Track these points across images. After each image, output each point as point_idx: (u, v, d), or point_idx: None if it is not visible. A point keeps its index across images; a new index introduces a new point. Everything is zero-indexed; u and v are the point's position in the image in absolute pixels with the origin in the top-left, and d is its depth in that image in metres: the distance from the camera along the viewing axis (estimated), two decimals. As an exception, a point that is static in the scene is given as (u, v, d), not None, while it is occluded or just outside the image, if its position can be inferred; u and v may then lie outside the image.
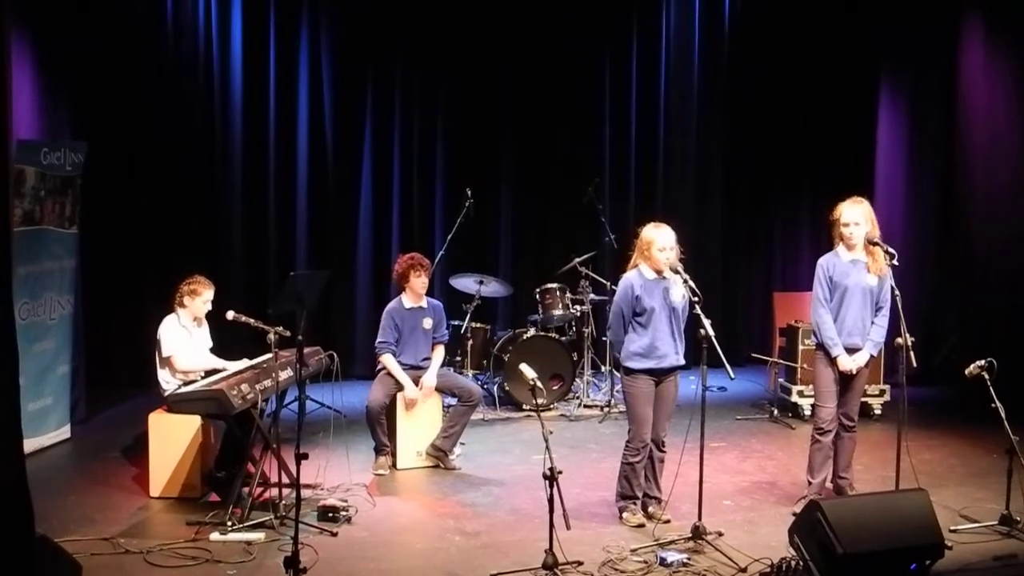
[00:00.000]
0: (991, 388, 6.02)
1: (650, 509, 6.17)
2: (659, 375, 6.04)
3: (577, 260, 9.37)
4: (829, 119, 11.02)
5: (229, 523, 5.89)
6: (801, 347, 8.74)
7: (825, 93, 11.00)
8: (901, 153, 10.78)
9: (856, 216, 6.19)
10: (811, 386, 7.30)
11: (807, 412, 8.60)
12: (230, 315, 6.53)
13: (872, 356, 6.28)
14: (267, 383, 6.26)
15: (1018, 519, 5.94)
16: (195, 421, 6.56)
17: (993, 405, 5.98)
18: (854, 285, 6.19)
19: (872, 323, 6.24)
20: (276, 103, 10.13)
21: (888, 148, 10.89)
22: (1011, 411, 6.01)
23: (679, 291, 5.99)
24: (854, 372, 6.21)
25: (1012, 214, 9.30)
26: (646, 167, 11.17)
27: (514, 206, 10.87)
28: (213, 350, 6.98)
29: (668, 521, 6.07)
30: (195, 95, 9.87)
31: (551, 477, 5.19)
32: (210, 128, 9.95)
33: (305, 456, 5.40)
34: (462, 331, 8.99)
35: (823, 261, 6.32)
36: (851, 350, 6.21)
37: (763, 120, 11.18)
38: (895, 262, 6.06)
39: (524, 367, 5.75)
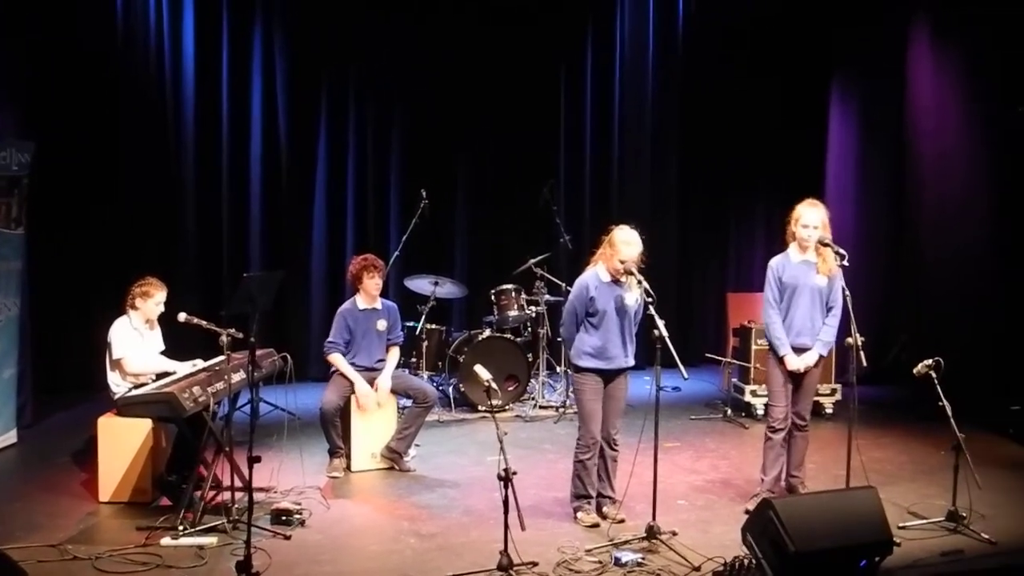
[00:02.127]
0: (938, 387, 6.12)
1: (604, 509, 6.20)
2: (609, 375, 6.09)
3: (532, 261, 9.39)
4: (782, 122, 11.16)
5: (180, 527, 5.83)
6: (754, 347, 8.83)
7: (778, 96, 11.14)
8: (852, 156, 10.93)
9: (815, 219, 6.26)
10: (764, 386, 7.36)
11: (760, 411, 8.69)
12: (182, 317, 6.45)
13: (822, 356, 6.35)
14: (219, 385, 6.21)
15: (964, 515, 6.04)
16: (145, 425, 6.48)
17: (940, 403, 6.08)
18: (804, 286, 6.27)
19: (823, 323, 6.32)
20: (229, 103, 10.06)
21: (839, 152, 11.04)
22: (958, 409, 6.11)
23: (633, 295, 6.03)
24: (802, 371, 6.28)
25: (961, 218, 9.42)
26: (601, 169, 11.23)
27: (469, 207, 10.88)
28: (166, 352, 6.90)
29: (623, 521, 6.11)
30: (146, 95, 9.77)
31: (506, 478, 5.20)
32: (162, 129, 9.85)
33: (258, 459, 5.36)
34: (417, 332, 8.98)
35: (774, 263, 6.38)
36: (801, 350, 6.28)
37: (717, 123, 11.28)
38: (845, 263, 6.13)
39: (479, 368, 5.76)
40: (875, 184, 10.75)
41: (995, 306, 8.87)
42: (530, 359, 9.21)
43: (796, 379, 6.31)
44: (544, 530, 5.97)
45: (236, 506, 6.00)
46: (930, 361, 6.17)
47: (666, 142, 11.32)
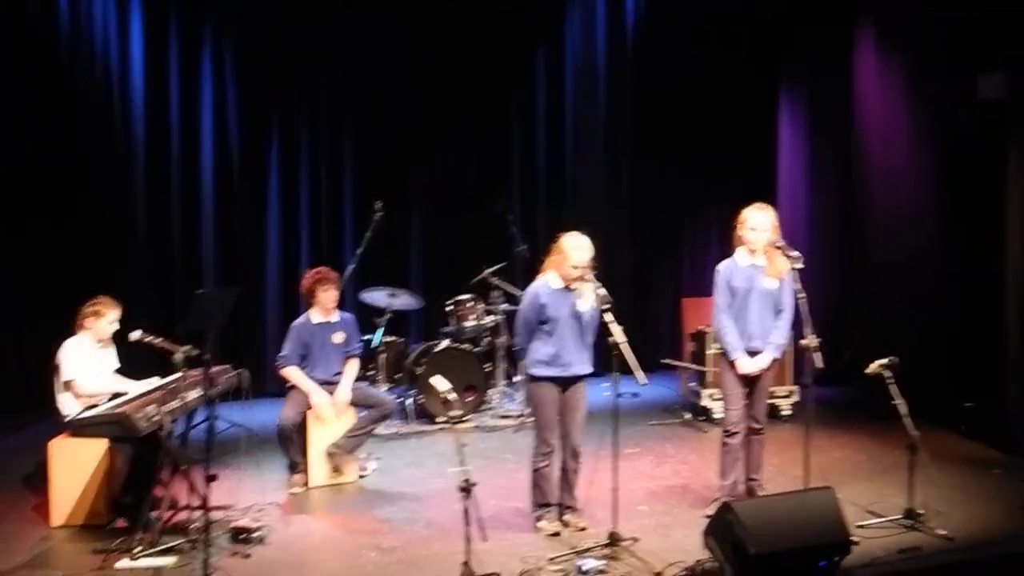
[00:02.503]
0: (891, 386, 6.19)
1: (566, 517, 6.20)
2: (564, 383, 6.09)
3: (488, 271, 9.41)
4: (734, 124, 11.23)
5: (137, 549, 5.75)
6: (710, 352, 8.89)
7: (729, 98, 11.21)
8: (802, 157, 11.04)
9: (763, 222, 6.30)
10: (719, 390, 7.41)
11: (718, 415, 8.73)
12: (136, 335, 6.39)
13: (775, 358, 6.40)
14: (175, 404, 6.14)
15: (921, 512, 6.12)
16: (99, 446, 6.38)
17: (894, 402, 6.15)
18: (754, 289, 6.32)
19: (774, 326, 6.37)
20: (179, 117, 9.99)
21: (789, 153, 11.15)
22: (913, 407, 6.19)
23: (588, 300, 6.03)
24: (756, 374, 6.34)
25: (911, 220, 9.50)
26: (555, 176, 11.27)
27: (424, 218, 10.86)
28: (121, 371, 6.82)
29: (584, 529, 6.11)
30: (94, 111, 9.66)
31: (466, 489, 5.20)
32: (111, 145, 9.74)
33: (214, 477, 5.32)
34: (375, 345, 8.94)
35: (722, 268, 6.42)
36: (754, 353, 6.33)
37: (669, 126, 11.32)
38: (800, 265, 6.16)
39: (436, 379, 5.74)
40: (825, 185, 10.85)
41: (947, 305, 8.97)
42: (488, 369, 9.21)
43: (750, 382, 6.36)
44: (506, 540, 5.96)
45: (194, 525, 5.92)
46: (883, 360, 6.25)
47: (618, 147, 11.38)
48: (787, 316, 6.37)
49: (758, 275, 6.32)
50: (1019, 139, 8.03)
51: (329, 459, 7.24)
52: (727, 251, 6.51)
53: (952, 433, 8.21)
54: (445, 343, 9.17)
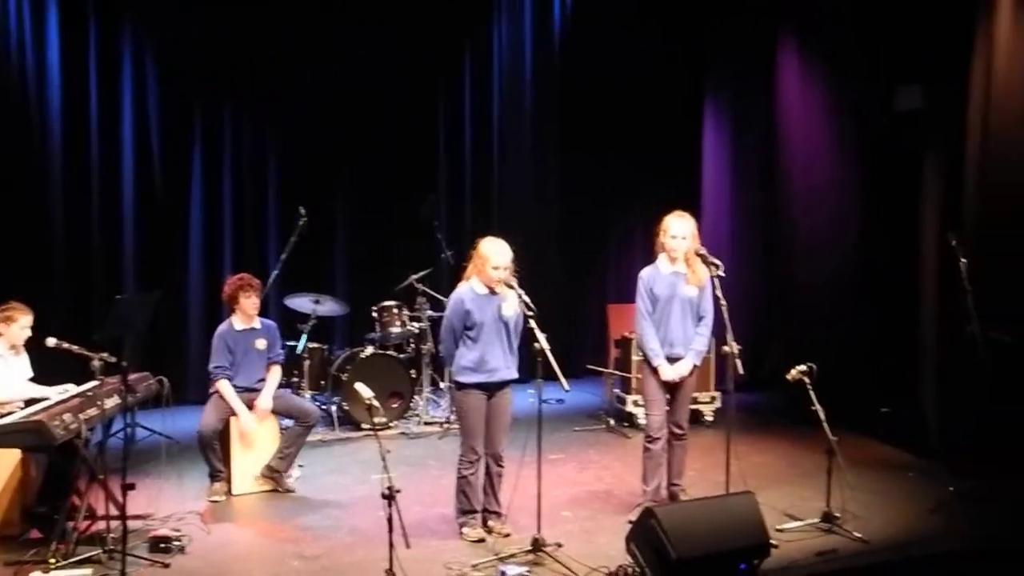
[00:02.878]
0: (811, 392, 6.32)
1: (490, 523, 6.22)
2: (491, 389, 6.11)
3: (414, 277, 9.39)
4: (660, 129, 11.33)
5: (52, 560, 5.62)
6: (634, 358, 8.93)
7: (656, 102, 11.31)
8: (725, 162, 11.16)
9: (683, 230, 6.39)
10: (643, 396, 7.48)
11: (642, 421, 8.79)
12: (51, 342, 6.26)
13: (695, 365, 6.48)
14: (92, 412, 6.01)
15: (838, 515, 6.26)
16: (13, 455, 6.23)
17: (813, 408, 6.28)
18: (675, 297, 6.40)
19: (695, 333, 6.46)
20: (99, 118, 9.76)
21: (713, 157, 11.26)
22: (831, 413, 6.33)
23: (512, 305, 6.06)
24: (677, 381, 6.42)
25: (832, 237, 9.64)
26: (481, 180, 11.31)
27: (349, 224, 10.81)
28: (35, 379, 6.66)
29: (508, 535, 6.13)
30: (9, 112, 9.42)
31: (389, 496, 5.20)
32: (27, 146, 9.50)
33: (132, 486, 5.25)
34: (299, 352, 8.88)
35: (644, 275, 6.49)
36: (675, 360, 6.41)
37: (596, 129, 11.39)
38: (721, 273, 6.27)
39: (360, 386, 5.72)
40: (749, 189, 10.98)
41: (866, 314, 9.16)
42: (413, 375, 9.20)
43: (672, 388, 6.44)
44: (430, 547, 5.96)
45: (111, 535, 5.82)
46: (803, 367, 6.38)
47: (546, 146, 11.44)
48: (708, 323, 6.47)
49: (679, 282, 6.41)
50: (935, 150, 8.25)
51: (264, 481, 7.20)
52: (651, 257, 6.59)
53: (869, 438, 8.38)
54: (370, 349, 9.13)
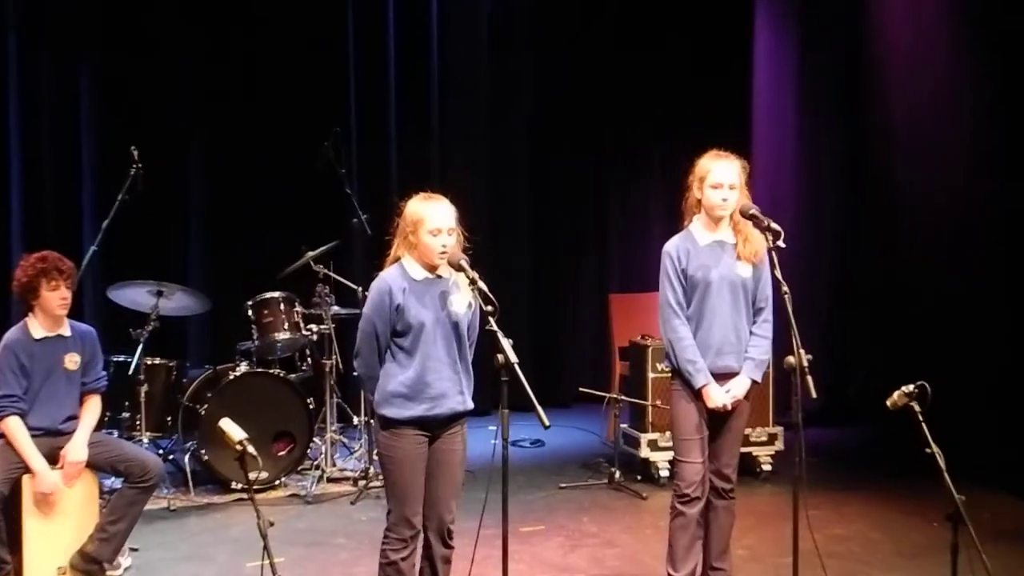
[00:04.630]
0: (924, 425, 6.23)
1: (434, 632, 6.14)
2: (434, 427, 5.99)
3: (311, 254, 9.33)
4: (690, 41, 11.46)
5: None
6: (652, 375, 8.90)
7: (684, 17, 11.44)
8: (787, 94, 11.20)
9: (729, 176, 6.28)
10: (668, 433, 7.42)
11: (664, 473, 8.78)
12: None
13: (754, 382, 6.41)
14: None
15: (970, 616, 6.21)
16: None
17: (928, 450, 6.20)
18: (720, 279, 6.30)
19: (751, 333, 6.38)
20: None
21: (769, 87, 11.27)
22: (952, 457, 6.25)
23: (464, 298, 5.96)
24: (729, 408, 6.34)
25: (954, 190, 9.66)
26: (415, 113, 11.35)
27: (210, 177, 10.87)
28: None
29: (461, 651, 6.06)
30: None
31: (275, 595, 5.10)
32: None
33: None
34: (132, 372, 8.77)
35: (672, 248, 6.39)
36: (723, 376, 6.32)
37: (587, 46, 11.49)
38: (781, 243, 6.17)
39: (227, 424, 5.65)
40: (821, 129, 11.06)
41: (1002, 313, 9.16)
42: (311, 406, 9.12)
43: (716, 422, 6.36)
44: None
45: None
46: (910, 388, 6.28)
47: (511, 76, 11.53)
48: (769, 318, 6.39)
49: (726, 257, 6.32)
50: None
51: (75, 574, 7.10)
52: (675, 223, 6.50)
53: (1007, 495, 8.40)
54: (243, 367, 9.09)
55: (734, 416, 6.37)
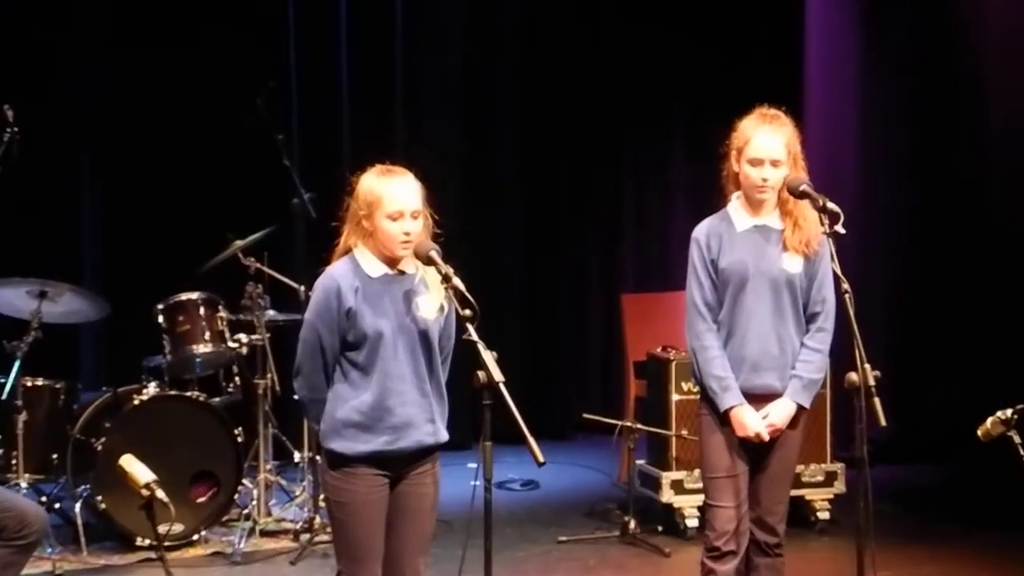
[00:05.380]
0: (1025, 459, 6.26)
1: None
2: (397, 465, 6.00)
3: (239, 244, 9.32)
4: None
5: None
6: (676, 396, 8.92)
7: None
8: (850, 55, 11.26)
9: (776, 146, 6.23)
10: (697, 472, 7.43)
11: (692, 523, 8.79)
12: None
13: (801, 407, 6.39)
14: None
15: None
16: None
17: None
18: (760, 274, 6.29)
19: (801, 345, 6.38)
20: None
21: (824, 48, 11.32)
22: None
23: (434, 300, 5.96)
24: (765, 439, 6.35)
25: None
26: (372, 68, 11.45)
27: (106, 144, 10.90)
28: None
29: None
30: None
31: None
32: None
33: None
34: (5, 396, 8.76)
35: (702, 233, 6.38)
36: (762, 398, 6.32)
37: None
38: (840, 229, 6.15)
39: (130, 462, 5.66)
40: (890, 99, 11.16)
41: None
42: (239, 439, 9.12)
43: (755, 455, 6.37)
44: None
45: None
46: (1008, 413, 6.29)
47: (497, 24, 11.59)
48: (827, 327, 6.37)
49: (769, 248, 6.32)
50: None
51: None
52: (704, 211, 6.50)
53: None
54: (152, 389, 9.09)
55: (778, 449, 6.35)
